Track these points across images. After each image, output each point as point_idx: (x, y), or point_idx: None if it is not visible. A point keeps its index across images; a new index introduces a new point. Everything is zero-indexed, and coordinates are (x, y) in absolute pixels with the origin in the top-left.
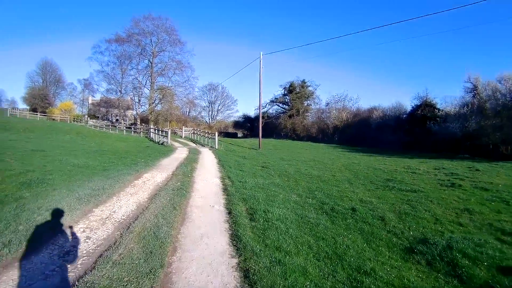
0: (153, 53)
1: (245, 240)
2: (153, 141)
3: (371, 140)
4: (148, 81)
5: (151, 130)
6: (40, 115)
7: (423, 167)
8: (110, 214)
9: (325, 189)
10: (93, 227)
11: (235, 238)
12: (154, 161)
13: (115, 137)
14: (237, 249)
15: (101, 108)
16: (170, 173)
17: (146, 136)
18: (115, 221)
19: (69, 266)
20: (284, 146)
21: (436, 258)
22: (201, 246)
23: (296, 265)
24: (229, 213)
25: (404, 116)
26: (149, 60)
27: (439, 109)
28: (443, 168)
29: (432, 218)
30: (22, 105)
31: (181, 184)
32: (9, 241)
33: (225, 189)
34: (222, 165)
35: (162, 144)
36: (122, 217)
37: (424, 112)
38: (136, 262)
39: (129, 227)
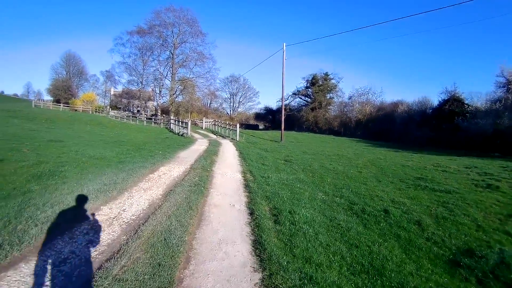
0: (174, 44)
1: (269, 249)
2: (173, 132)
3: (396, 135)
4: (169, 73)
5: (171, 121)
6: (63, 106)
7: (453, 165)
8: (118, 213)
9: (353, 187)
10: (97, 228)
11: (258, 246)
12: (172, 153)
13: (135, 128)
14: (260, 260)
15: (122, 99)
16: (188, 167)
17: (166, 127)
18: (123, 222)
19: (62, 278)
20: (306, 139)
21: (488, 275)
22: (218, 256)
23: (330, 283)
24: (251, 213)
25: (430, 111)
26: (170, 52)
27: (468, 105)
28: (475, 167)
29: (473, 224)
30: (47, 97)
31: (199, 179)
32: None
33: (246, 185)
34: (244, 158)
35: (182, 135)
36: (132, 217)
37: (452, 107)
38: (141, 278)
39: (137, 230)
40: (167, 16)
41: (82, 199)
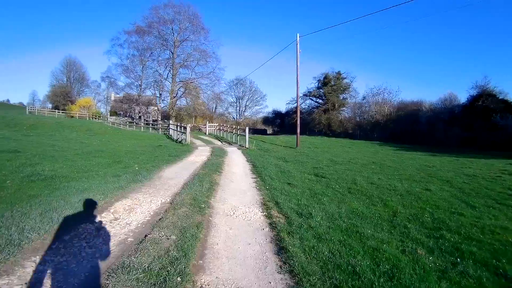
0: (174, 43)
1: None
2: (171, 138)
3: (421, 136)
4: (169, 74)
5: (171, 126)
6: (59, 112)
7: None
8: None
9: (452, 223)
10: None
11: None
12: (154, 170)
13: (129, 135)
14: None
15: (123, 105)
16: (168, 200)
17: (165, 133)
18: None
19: None
20: (322, 144)
21: None
22: None
23: None
24: None
25: (460, 109)
26: (170, 51)
27: (506, 101)
28: None
29: None
30: (47, 104)
31: (179, 239)
32: None
33: (278, 246)
34: (259, 175)
35: (180, 142)
36: None
37: (486, 103)
38: None
39: None
40: (166, 13)
41: None
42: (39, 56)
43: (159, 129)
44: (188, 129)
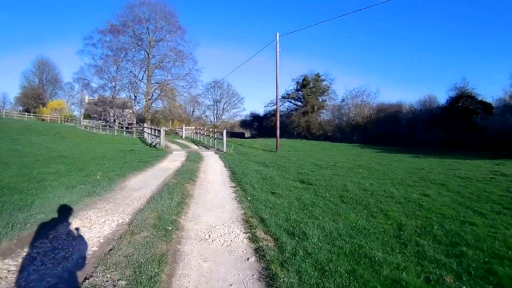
0: (150, 42)
1: None
2: (145, 142)
3: (402, 138)
4: (145, 75)
5: (145, 130)
6: (29, 115)
7: None
8: None
9: (467, 236)
10: None
11: None
12: (118, 179)
13: (100, 139)
14: None
15: (98, 108)
16: (126, 220)
17: (139, 137)
18: None
19: None
20: (302, 147)
21: None
22: None
23: None
24: None
25: (439, 110)
26: (145, 51)
27: (485, 102)
28: None
29: None
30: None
31: (131, 285)
32: None
33: (271, 286)
34: (239, 183)
35: (154, 146)
36: None
37: (466, 104)
38: None
39: None
40: (141, 11)
41: None
42: (10, 56)
43: (133, 133)
44: (162, 133)
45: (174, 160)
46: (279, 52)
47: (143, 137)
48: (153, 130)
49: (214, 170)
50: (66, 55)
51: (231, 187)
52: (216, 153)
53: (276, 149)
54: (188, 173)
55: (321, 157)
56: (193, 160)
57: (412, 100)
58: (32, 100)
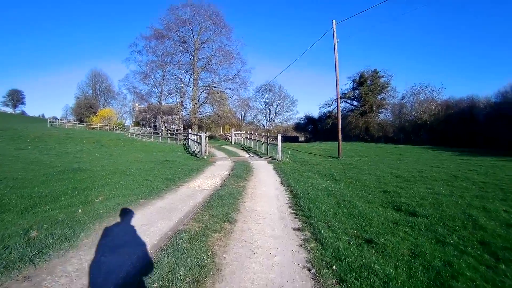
0: (194, 44)
1: None
2: (187, 150)
3: (480, 138)
4: (191, 79)
5: (189, 135)
6: (80, 124)
7: None
8: None
9: None
10: None
11: None
12: (110, 213)
13: (140, 147)
14: None
15: (146, 115)
16: None
17: (184, 144)
18: None
19: None
20: (365, 151)
21: None
22: None
23: None
24: None
25: None
26: (191, 54)
27: None
28: None
29: None
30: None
31: None
32: None
33: None
34: (307, 218)
35: (195, 155)
36: None
37: None
38: None
39: None
40: (184, 13)
41: None
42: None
43: (177, 139)
44: (204, 139)
45: (212, 176)
46: (337, 42)
47: (187, 144)
48: (194, 136)
49: (266, 192)
50: (117, 65)
51: (294, 229)
52: (269, 162)
53: (338, 155)
54: (225, 203)
55: (395, 164)
56: (239, 176)
57: (488, 93)
58: (84, 109)
